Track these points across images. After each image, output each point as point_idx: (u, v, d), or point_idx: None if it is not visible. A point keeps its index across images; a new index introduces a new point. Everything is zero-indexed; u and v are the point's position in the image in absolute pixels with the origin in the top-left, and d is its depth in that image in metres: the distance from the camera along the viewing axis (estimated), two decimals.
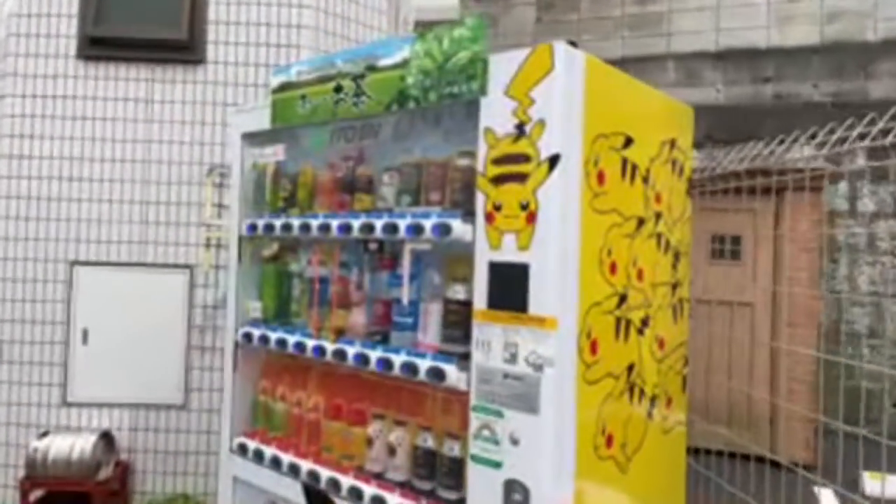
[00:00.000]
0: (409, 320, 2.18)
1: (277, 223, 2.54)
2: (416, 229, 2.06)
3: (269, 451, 2.51)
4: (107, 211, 3.63)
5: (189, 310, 3.59)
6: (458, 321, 2.03)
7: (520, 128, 1.83)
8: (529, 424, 1.79)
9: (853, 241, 6.16)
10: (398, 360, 2.10)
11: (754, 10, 6.54)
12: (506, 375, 1.83)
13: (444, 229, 1.98)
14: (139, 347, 3.55)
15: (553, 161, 1.77)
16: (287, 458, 2.44)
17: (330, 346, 2.32)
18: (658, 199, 2.23)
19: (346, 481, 2.23)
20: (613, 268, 1.99)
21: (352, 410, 2.37)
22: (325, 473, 2.30)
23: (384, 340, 2.25)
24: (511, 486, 1.80)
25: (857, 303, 6.14)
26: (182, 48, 3.64)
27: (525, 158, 1.82)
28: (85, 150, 3.64)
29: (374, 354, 2.17)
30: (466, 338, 2.02)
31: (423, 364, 2.03)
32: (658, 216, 2.24)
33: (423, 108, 2.12)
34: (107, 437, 3.44)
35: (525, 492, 1.78)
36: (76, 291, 3.59)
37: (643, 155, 2.14)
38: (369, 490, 2.16)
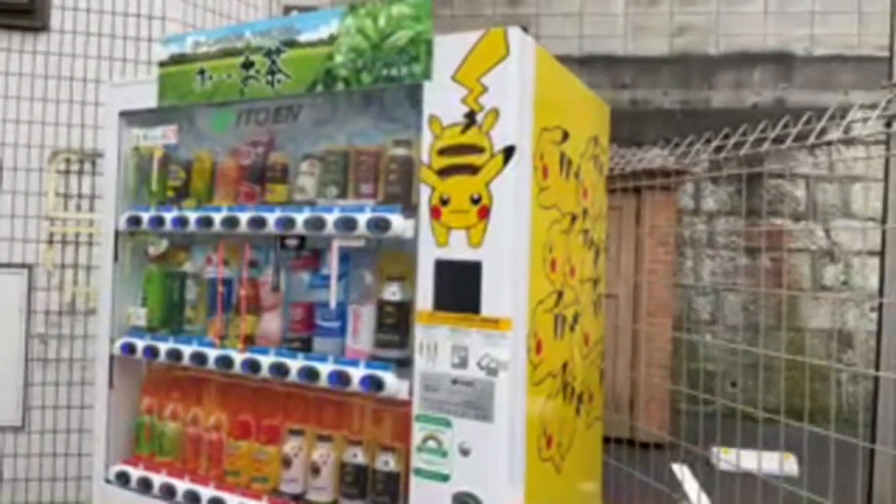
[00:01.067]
0: (336, 325, 1.98)
1: (168, 216, 2.20)
2: (347, 224, 1.87)
3: (160, 478, 2.18)
4: None
5: (28, 316, 3.08)
6: (395, 324, 1.87)
7: (470, 116, 1.71)
8: (481, 433, 1.68)
9: (697, 237, 6.75)
10: (325, 368, 1.89)
11: (613, 19, 6.95)
12: (454, 381, 1.71)
13: (381, 225, 1.81)
14: None
15: (508, 153, 1.67)
16: (183, 485, 2.13)
17: (238, 357, 2.05)
18: (585, 195, 2.23)
19: None
20: (554, 265, 1.94)
21: (263, 427, 2.12)
22: (232, 500, 2.03)
23: (305, 348, 2.02)
24: (461, 499, 1.68)
25: (701, 293, 6.74)
26: (21, 12, 3.09)
27: (476, 149, 1.70)
28: None
29: (296, 364, 1.94)
30: (403, 342, 1.88)
31: (357, 372, 1.85)
32: (585, 212, 2.23)
33: (351, 91, 1.93)
34: None
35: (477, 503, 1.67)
36: None
37: (575, 151, 2.12)
38: None
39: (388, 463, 1.88)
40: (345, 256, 1.98)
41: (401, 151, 1.91)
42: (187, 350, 2.15)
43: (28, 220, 3.10)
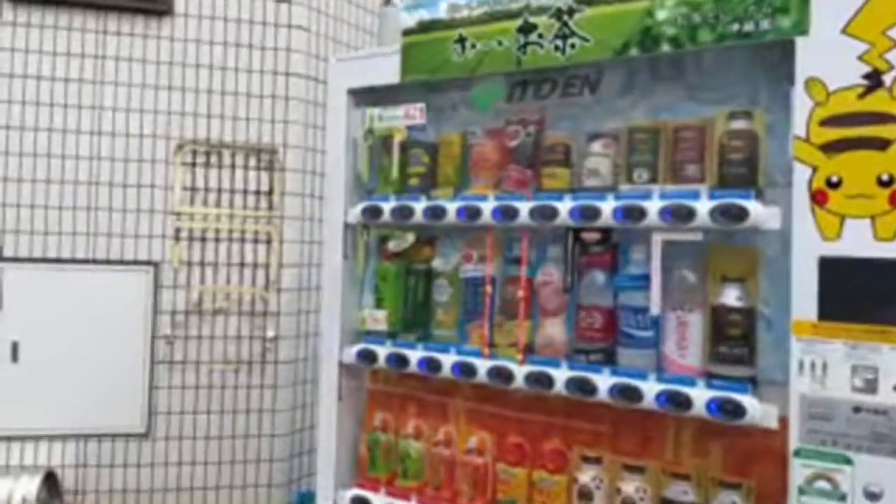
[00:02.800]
0: (650, 334, 1.66)
1: (418, 206, 1.91)
2: (679, 214, 1.54)
3: None
4: (42, 194, 2.78)
5: (153, 316, 2.84)
6: (741, 336, 1.54)
7: (873, 77, 1.37)
8: None
9: None
10: (649, 387, 1.58)
11: None
12: (857, 409, 1.37)
13: (733, 214, 1.48)
14: (87, 364, 2.77)
15: None
16: None
17: (520, 370, 1.76)
18: None
19: None
20: None
21: (546, 453, 1.82)
22: None
23: (606, 360, 1.71)
24: None
25: None
26: None
27: (884, 118, 1.36)
28: (13, 117, 2.76)
29: (604, 380, 1.64)
30: (751, 358, 1.55)
31: (698, 394, 1.53)
32: None
33: (654, 57, 1.60)
34: (51, 479, 2.66)
35: None
36: (2, 296, 2.72)
37: None
38: None
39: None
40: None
41: (740, 125, 1.58)
42: (447, 360, 1.86)
43: (154, 216, 2.87)
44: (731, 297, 1.56)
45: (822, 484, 1.40)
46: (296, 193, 3.01)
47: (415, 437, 2.02)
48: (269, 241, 2.95)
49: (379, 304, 2.05)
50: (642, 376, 1.61)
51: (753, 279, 1.58)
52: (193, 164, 2.91)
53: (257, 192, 2.95)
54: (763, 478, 1.56)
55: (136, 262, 2.85)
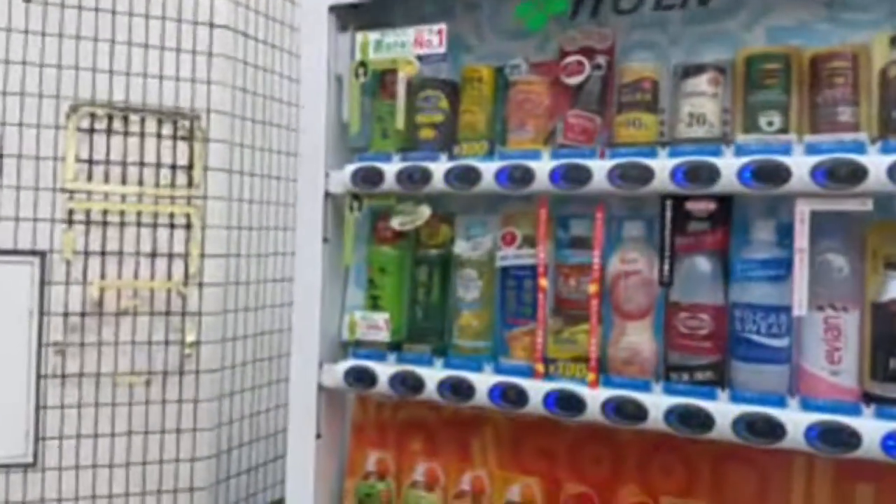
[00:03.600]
0: (784, 343, 1.19)
1: (437, 168, 1.37)
2: (841, 175, 1.09)
3: None
4: None
5: (40, 319, 2.23)
6: None
7: None
8: None
9: None
10: (796, 421, 1.11)
11: None
12: None
13: None
14: None
15: None
16: None
17: (593, 394, 1.25)
18: None
19: None
20: None
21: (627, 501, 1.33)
22: None
23: (714, 380, 1.23)
24: None
25: None
26: None
27: None
28: None
29: (722, 409, 1.16)
30: None
31: (870, 427, 1.08)
32: None
33: None
34: None
35: None
36: None
37: None
38: None
39: None
40: (789, 232, 1.19)
41: None
42: (481, 381, 1.33)
43: (39, 194, 2.22)
44: None
45: None
46: (221, 169, 2.46)
47: (426, 487, 1.48)
48: (188, 226, 2.42)
49: (375, 304, 1.48)
50: (779, 402, 1.15)
51: None
52: (91, 131, 2.30)
53: (173, 167, 2.41)
54: None
55: (16, 252, 2.21)
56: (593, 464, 1.40)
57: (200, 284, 2.42)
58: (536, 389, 1.30)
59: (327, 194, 1.50)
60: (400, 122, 1.44)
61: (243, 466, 2.75)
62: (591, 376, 1.27)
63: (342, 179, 1.47)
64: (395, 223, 1.44)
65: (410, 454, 1.54)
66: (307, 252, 1.52)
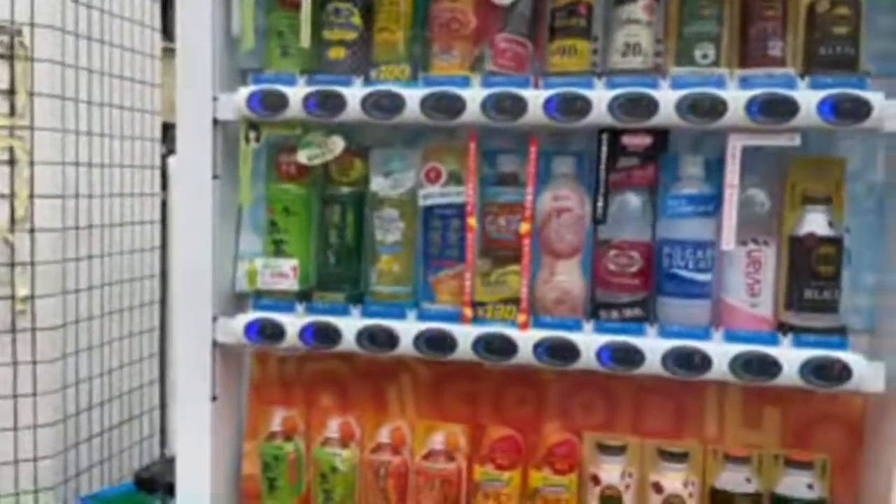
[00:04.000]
0: (708, 277, 1.22)
1: (352, 93, 1.21)
2: (775, 110, 1.10)
3: None
4: None
5: None
6: (831, 274, 1.17)
7: None
8: None
9: None
10: (722, 352, 1.15)
11: None
12: None
13: (848, 109, 1.08)
14: None
15: None
16: None
17: (524, 337, 1.21)
18: None
19: None
20: None
21: (549, 444, 1.32)
22: None
23: (640, 316, 1.23)
24: None
25: None
26: None
27: None
28: None
29: (653, 345, 1.17)
30: (836, 302, 1.20)
31: (790, 355, 1.14)
32: None
33: None
34: None
35: None
36: None
37: None
38: None
39: (811, 487, 1.22)
40: (715, 168, 1.20)
41: None
42: (405, 329, 1.24)
43: None
44: (818, 223, 1.17)
45: None
46: (52, 95, 2.08)
47: (341, 444, 1.37)
48: (12, 162, 2.03)
49: (279, 250, 1.31)
50: (704, 335, 1.18)
51: (838, 200, 1.21)
52: None
53: None
54: (837, 448, 1.25)
55: None
56: (516, 406, 1.37)
57: (32, 230, 2.06)
58: (465, 335, 1.22)
59: (216, 122, 1.29)
60: (305, 38, 1.24)
61: (95, 430, 2.47)
62: (521, 318, 1.22)
63: (235, 104, 1.26)
64: (303, 157, 1.26)
65: (321, 410, 1.41)
66: (192, 191, 1.30)
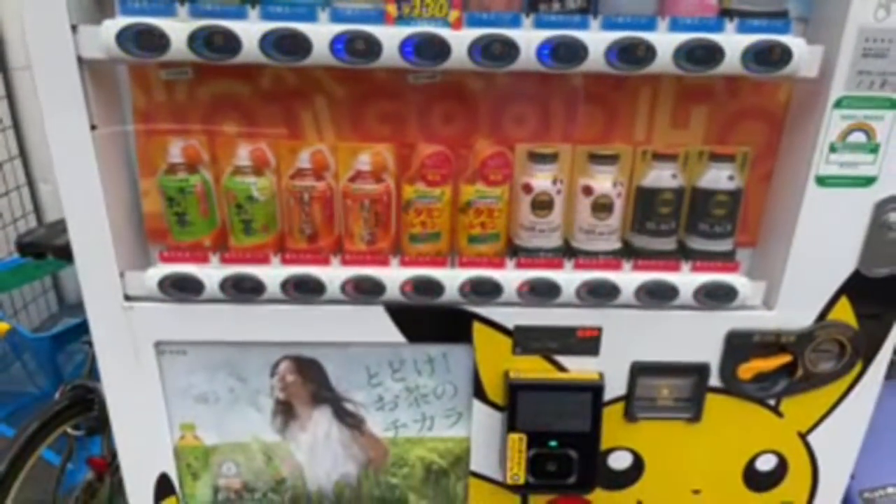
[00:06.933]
0: None
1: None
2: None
3: (281, 271, 1.24)
4: None
5: None
6: None
7: None
8: None
9: None
10: (666, 41, 1.08)
11: None
12: None
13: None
14: None
15: None
16: (329, 271, 1.25)
17: (457, 36, 1.08)
18: None
19: (512, 276, 1.26)
20: None
21: (481, 157, 1.26)
22: (459, 275, 1.26)
23: (586, 6, 1.12)
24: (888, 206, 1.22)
25: None
26: None
27: None
28: None
29: (595, 38, 1.08)
30: None
31: (732, 40, 1.09)
32: None
33: None
34: None
35: None
36: None
37: None
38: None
39: (731, 178, 1.26)
40: None
41: None
42: (320, 33, 1.06)
43: None
44: None
45: (858, 137, 1.16)
46: None
47: (255, 172, 1.24)
48: None
49: None
50: (650, 25, 1.09)
51: None
52: None
53: None
54: (757, 141, 1.29)
55: None
56: (445, 123, 1.28)
57: None
58: (390, 36, 1.07)
59: (82, 61, 0.95)
60: None
61: None
62: (454, 14, 1.07)
63: (103, 42, 0.95)
64: None
65: (225, 138, 1.25)
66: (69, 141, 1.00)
